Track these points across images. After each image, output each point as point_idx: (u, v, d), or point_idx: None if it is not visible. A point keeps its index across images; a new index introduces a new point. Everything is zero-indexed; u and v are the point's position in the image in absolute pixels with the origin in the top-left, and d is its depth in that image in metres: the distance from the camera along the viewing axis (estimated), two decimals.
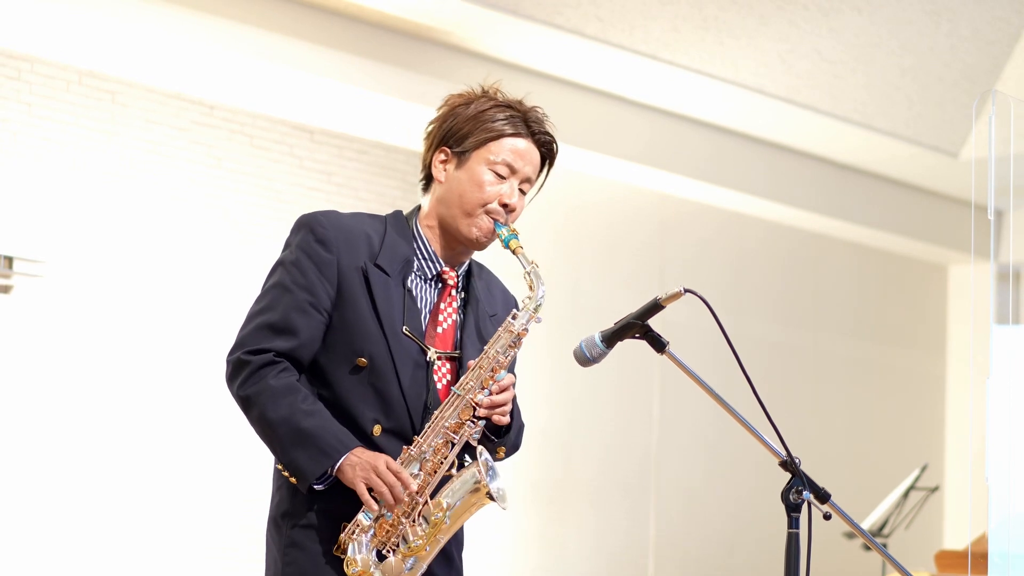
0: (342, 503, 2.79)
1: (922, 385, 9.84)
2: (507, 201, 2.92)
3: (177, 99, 6.36)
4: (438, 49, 6.74)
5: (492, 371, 2.87)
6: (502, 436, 2.97)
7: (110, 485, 6.07)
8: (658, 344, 2.86)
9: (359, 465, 2.74)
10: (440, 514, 2.81)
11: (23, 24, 5.71)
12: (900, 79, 7.74)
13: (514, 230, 2.93)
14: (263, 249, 6.44)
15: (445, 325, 2.93)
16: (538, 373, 7.66)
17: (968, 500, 9.01)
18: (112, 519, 6.06)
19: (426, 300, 2.92)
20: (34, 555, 5.86)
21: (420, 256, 2.93)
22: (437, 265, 2.94)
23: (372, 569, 2.77)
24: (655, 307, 2.86)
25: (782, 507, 2.75)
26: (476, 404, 2.85)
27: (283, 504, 2.84)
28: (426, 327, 2.90)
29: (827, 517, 2.80)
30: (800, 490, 2.75)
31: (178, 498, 6.22)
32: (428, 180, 3.00)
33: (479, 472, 2.82)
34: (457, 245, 2.97)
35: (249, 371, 2.78)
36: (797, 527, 2.74)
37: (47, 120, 5.97)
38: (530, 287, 2.92)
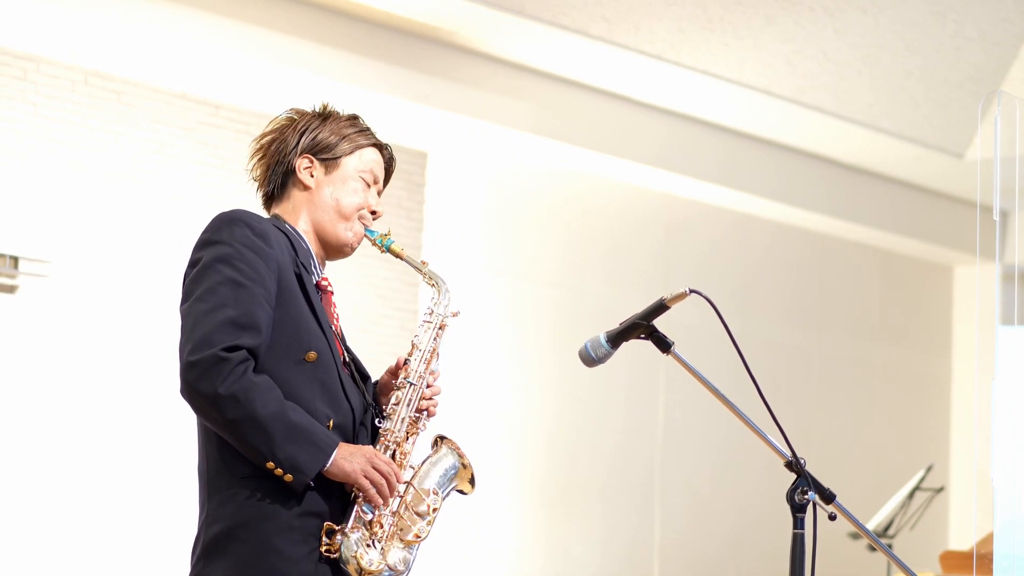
0: (320, 500, 2.76)
1: (927, 386, 9.83)
2: (376, 208, 3.02)
3: (183, 99, 6.37)
4: (443, 49, 6.74)
5: (428, 363, 2.94)
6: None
7: (115, 485, 6.07)
8: (663, 344, 2.86)
9: (355, 458, 2.74)
10: (435, 498, 2.84)
11: (29, 24, 5.72)
12: (906, 80, 7.74)
13: (389, 233, 3.02)
14: None
15: (339, 331, 2.98)
16: (544, 374, 7.66)
17: (973, 501, 9.00)
18: (117, 518, 6.07)
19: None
20: (38, 555, 5.86)
21: (312, 262, 2.96)
22: (320, 271, 2.98)
23: (380, 566, 2.77)
24: (660, 308, 2.86)
25: (787, 508, 2.75)
26: (424, 396, 2.93)
27: (245, 511, 2.73)
28: None
29: (832, 518, 2.80)
30: (805, 491, 2.75)
31: (184, 497, 6.23)
32: (282, 187, 3.00)
33: (461, 456, 2.89)
34: (326, 252, 3.00)
35: (229, 368, 2.66)
36: (802, 527, 2.74)
37: (53, 120, 5.98)
38: (432, 285, 3.01)
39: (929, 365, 9.85)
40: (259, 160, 3.01)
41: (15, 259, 5.86)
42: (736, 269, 8.65)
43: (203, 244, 2.82)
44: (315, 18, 6.32)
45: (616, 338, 2.88)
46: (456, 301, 3.02)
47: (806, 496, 2.75)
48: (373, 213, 3.00)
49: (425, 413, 2.93)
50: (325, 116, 3.03)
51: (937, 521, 9.38)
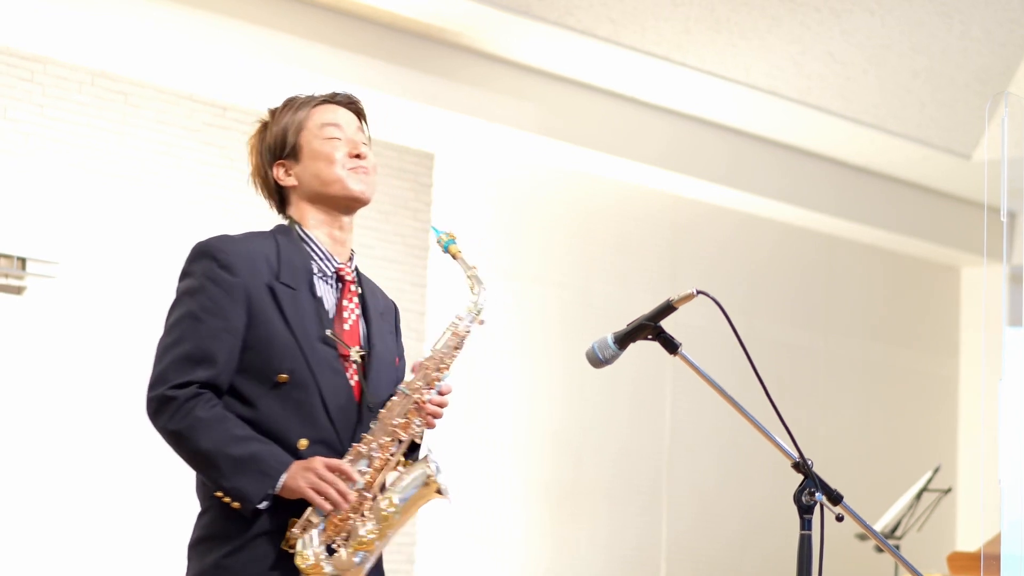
0: (282, 518, 2.83)
1: (935, 387, 9.82)
2: (358, 151, 3.00)
3: (189, 100, 6.37)
4: (449, 50, 6.74)
5: (439, 370, 2.93)
6: (411, 453, 3.00)
7: (122, 487, 6.08)
8: (670, 346, 2.86)
9: (300, 475, 2.79)
10: (391, 509, 2.85)
11: (35, 25, 5.72)
12: (912, 81, 7.73)
13: (452, 235, 3.02)
14: None
15: (350, 322, 2.98)
16: (551, 374, 7.66)
17: (981, 502, 8.99)
18: (123, 520, 6.07)
19: (330, 301, 2.97)
20: (44, 557, 5.87)
21: (316, 258, 2.98)
22: (333, 263, 2.99)
23: (323, 563, 2.81)
24: (667, 308, 2.86)
25: (794, 509, 2.75)
26: (423, 403, 2.90)
27: (214, 525, 2.88)
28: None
29: (839, 519, 2.80)
30: (812, 492, 2.75)
31: (189, 498, 6.23)
32: (282, 202, 3.07)
33: (428, 468, 2.89)
34: (344, 215, 3.00)
35: (176, 406, 2.84)
36: (809, 529, 2.74)
37: (59, 121, 5.99)
38: (471, 289, 3.02)
39: (936, 366, 9.83)
40: (261, 193, 3.11)
41: (22, 260, 5.86)
42: (742, 270, 8.64)
43: (180, 276, 2.96)
44: (321, 19, 6.32)
45: (623, 339, 2.89)
46: (488, 310, 3.04)
47: (813, 497, 2.75)
48: (357, 156, 3.00)
49: (420, 422, 2.92)
50: (267, 122, 3.07)
51: (944, 522, 9.37)
